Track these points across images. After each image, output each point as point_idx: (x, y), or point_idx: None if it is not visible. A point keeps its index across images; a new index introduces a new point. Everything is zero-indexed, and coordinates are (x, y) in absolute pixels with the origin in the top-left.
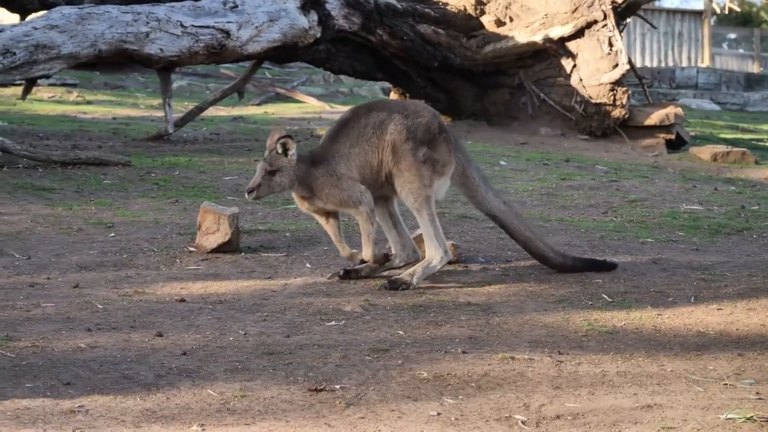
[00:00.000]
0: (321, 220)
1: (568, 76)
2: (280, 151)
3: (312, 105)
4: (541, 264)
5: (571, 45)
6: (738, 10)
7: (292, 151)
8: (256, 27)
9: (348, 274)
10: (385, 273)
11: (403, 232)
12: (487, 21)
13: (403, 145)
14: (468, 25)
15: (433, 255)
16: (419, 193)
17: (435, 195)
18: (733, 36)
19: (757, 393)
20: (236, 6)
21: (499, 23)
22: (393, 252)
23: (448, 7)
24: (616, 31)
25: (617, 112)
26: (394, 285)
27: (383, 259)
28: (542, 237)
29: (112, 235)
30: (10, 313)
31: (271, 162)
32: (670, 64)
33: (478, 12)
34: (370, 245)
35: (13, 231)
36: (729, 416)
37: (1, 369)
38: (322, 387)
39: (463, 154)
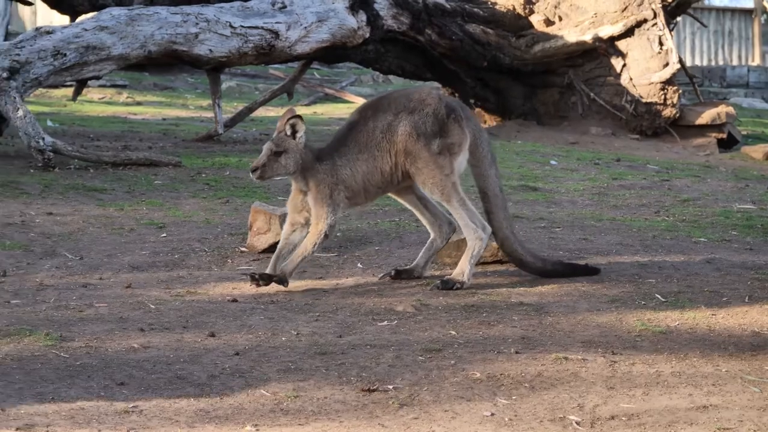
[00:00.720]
0: (288, 226)
1: (618, 76)
2: (288, 132)
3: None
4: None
5: (621, 44)
6: None
7: (301, 132)
8: (305, 27)
9: (399, 274)
10: (434, 273)
11: (435, 210)
12: (536, 20)
13: (415, 144)
14: (517, 24)
15: (474, 242)
16: (444, 185)
17: (457, 174)
18: None
19: None
20: (285, 6)
21: (549, 22)
22: (432, 235)
23: (497, 7)
24: (666, 30)
25: (668, 112)
26: (447, 285)
27: (268, 281)
28: (521, 240)
29: (164, 235)
30: (64, 314)
31: (278, 143)
32: (720, 62)
33: (527, 11)
34: (295, 263)
35: (65, 231)
36: None
37: (55, 369)
38: (375, 387)
39: (474, 122)
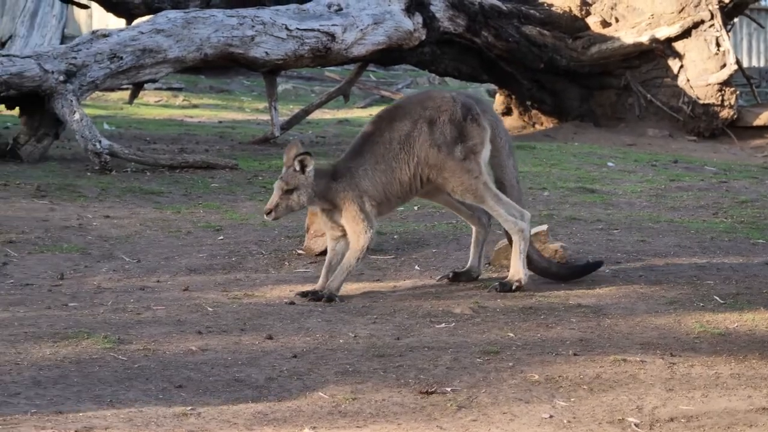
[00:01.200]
0: (330, 241)
1: (675, 77)
2: (297, 168)
3: None
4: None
5: (678, 45)
6: None
7: (310, 168)
8: (361, 30)
9: (457, 277)
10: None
11: (470, 204)
12: (593, 22)
13: (437, 155)
14: (573, 26)
15: (517, 236)
16: (475, 188)
17: (485, 171)
18: None
19: None
20: (341, 9)
21: (605, 24)
22: (474, 229)
23: (553, 8)
24: (724, 31)
25: (725, 113)
26: (505, 288)
27: (330, 299)
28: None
29: (221, 238)
30: (121, 316)
31: (287, 180)
32: None
33: (583, 13)
34: (340, 279)
35: (122, 234)
36: None
37: (113, 372)
38: (433, 389)
39: (491, 114)
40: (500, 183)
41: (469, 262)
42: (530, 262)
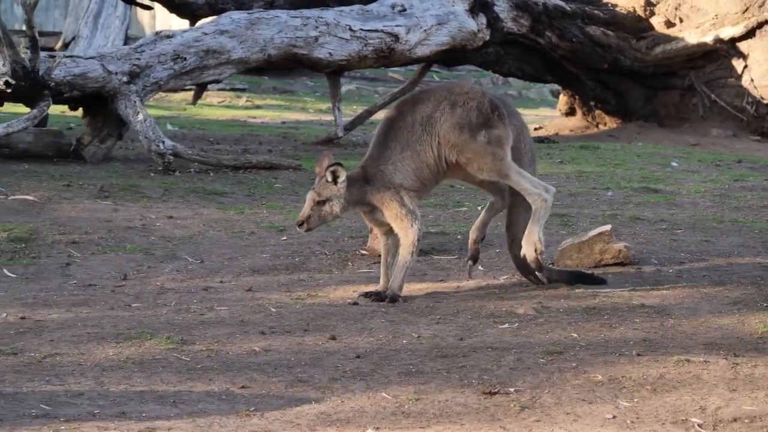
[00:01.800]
0: (381, 236)
1: (739, 77)
2: (329, 179)
3: None
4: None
5: (742, 45)
6: None
7: (342, 178)
8: (425, 30)
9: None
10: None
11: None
12: (657, 22)
13: (459, 137)
14: (637, 26)
15: (538, 203)
16: (500, 167)
17: (509, 152)
18: None
19: None
20: (405, 9)
21: (669, 24)
22: (493, 198)
23: (617, 9)
24: None
25: None
26: (531, 259)
27: (393, 300)
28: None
29: (284, 238)
30: (185, 317)
31: (320, 192)
32: None
33: (647, 13)
34: (400, 277)
35: (186, 235)
36: None
37: (176, 372)
38: (496, 390)
39: (517, 119)
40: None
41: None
42: (528, 271)
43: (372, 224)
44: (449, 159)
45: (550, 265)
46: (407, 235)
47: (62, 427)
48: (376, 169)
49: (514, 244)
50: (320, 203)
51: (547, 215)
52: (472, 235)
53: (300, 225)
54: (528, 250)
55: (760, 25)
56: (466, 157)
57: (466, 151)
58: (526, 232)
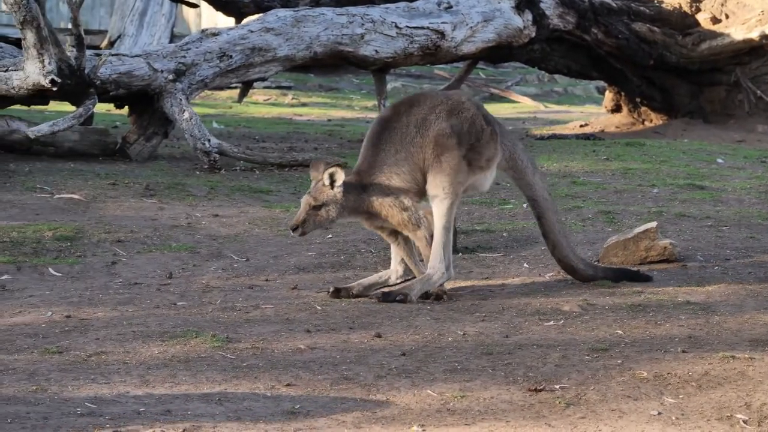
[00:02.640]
0: (390, 240)
1: None
2: (327, 182)
3: (526, 105)
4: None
5: None
6: None
7: (339, 182)
8: (471, 27)
9: (338, 293)
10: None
11: (410, 252)
12: (703, 18)
13: (447, 140)
14: (683, 22)
15: (436, 268)
16: (449, 190)
17: (477, 187)
18: None
19: None
20: (451, 6)
21: (715, 20)
22: (392, 268)
23: (663, 5)
24: None
25: None
26: (387, 297)
27: (437, 298)
28: (573, 245)
29: (330, 236)
30: (230, 315)
31: (316, 196)
32: None
33: (693, 9)
34: (437, 257)
35: (231, 233)
36: None
37: (221, 371)
38: (541, 387)
39: (509, 138)
40: (533, 200)
41: (358, 281)
42: (575, 272)
43: (374, 230)
44: (428, 163)
45: (596, 263)
46: (418, 237)
47: (107, 426)
48: (372, 175)
49: (556, 249)
50: (316, 208)
51: (432, 287)
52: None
53: (294, 229)
54: (399, 290)
55: None
56: (438, 159)
57: (442, 154)
58: (410, 281)
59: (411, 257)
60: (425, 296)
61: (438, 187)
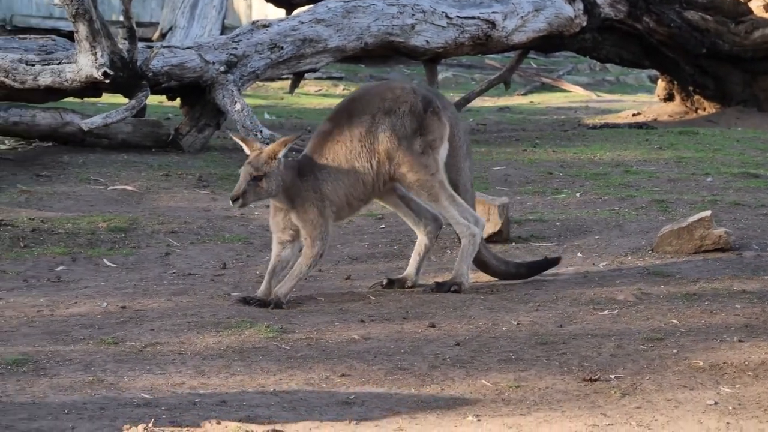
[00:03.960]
0: (276, 245)
1: None
2: (268, 154)
3: (578, 94)
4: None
5: None
6: None
7: (281, 154)
8: (521, 17)
9: (391, 284)
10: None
11: (418, 207)
12: (756, 6)
13: (397, 150)
14: (736, 10)
15: (465, 238)
16: (431, 185)
17: (442, 169)
18: None
19: None
20: None
21: None
22: (418, 238)
23: None
24: None
25: None
26: (442, 288)
27: (277, 305)
28: (484, 242)
29: (383, 226)
30: (284, 306)
31: (257, 167)
32: None
33: None
34: (290, 285)
35: None
36: None
37: (276, 361)
38: (596, 377)
39: (451, 111)
40: (454, 185)
41: (406, 270)
42: (486, 268)
43: (276, 228)
44: (387, 175)
45: (650, 252)
46: (313, 246)
47: (163, 415)
48: (310, 171)
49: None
50: (257, 179)
51: (476, 251)
52: (409, 282)
53: (234, 200)
54: (450, 282)
55: None
56: (401, 172)
57: (402, 165)
58: (454, 269)
59: (273, 270)
60: (442, 288)
61: (419, 191)
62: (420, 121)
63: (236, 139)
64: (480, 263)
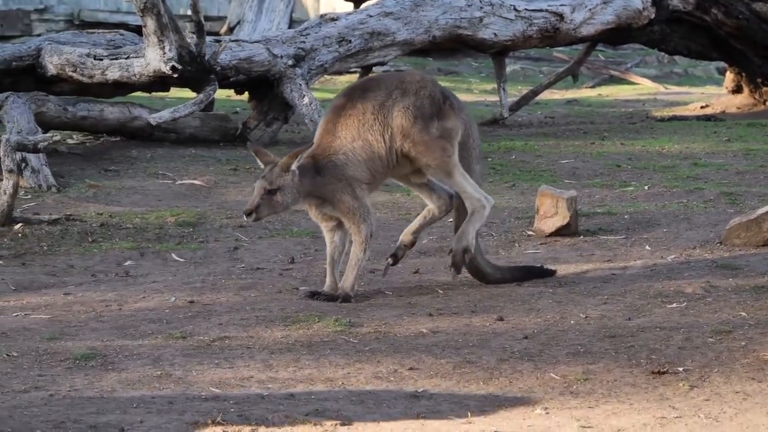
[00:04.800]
0: (326, 233)
1: None
2: (281, 166)
3: (646, 86)
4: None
5: None
6: None
7: (295, 167)
8: (590, 9)
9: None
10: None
11: (433, 184)
12: None
13: (413, 127)
14: None
15: (476, 208)
16: (446, 165)
17: (457, 155)
18: None
19: None
20: None
21: None
22: (429, 205)
23: None
24: None
25: None
26: (455, 258)
27: (345, 299)
28: (482, 249)
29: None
30: (352, 299)
31: (270, 180)
32: None
33: None
34: (353, 276)
35: None
36: None
37: (344, 355)
38: (665, 369)
39: (466, 114)
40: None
41: (405, 230)
42: (483, 276)
43: (318, 219)
44: (400, 150)
45: (718, 244)
46: (359, 231)
47: (232, 409)
48: (327, 159)
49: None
50: (271, 192)
51: (483, 222)
52: (404, 238)
53: (248, 215)
54: (457, 248)
55: None
56: (417, 150)
57: (417, 145)
58: (459, 231)
59: (332, 260)
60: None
61: (437, 172)
62: (438, 108)
63: (250, 151)
64: (474, 270)
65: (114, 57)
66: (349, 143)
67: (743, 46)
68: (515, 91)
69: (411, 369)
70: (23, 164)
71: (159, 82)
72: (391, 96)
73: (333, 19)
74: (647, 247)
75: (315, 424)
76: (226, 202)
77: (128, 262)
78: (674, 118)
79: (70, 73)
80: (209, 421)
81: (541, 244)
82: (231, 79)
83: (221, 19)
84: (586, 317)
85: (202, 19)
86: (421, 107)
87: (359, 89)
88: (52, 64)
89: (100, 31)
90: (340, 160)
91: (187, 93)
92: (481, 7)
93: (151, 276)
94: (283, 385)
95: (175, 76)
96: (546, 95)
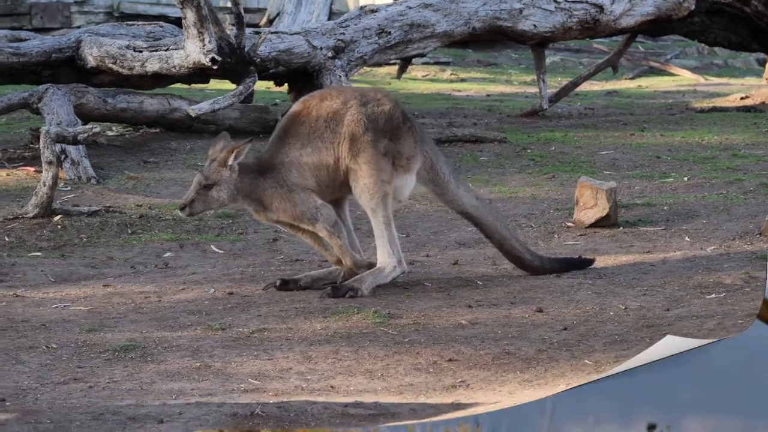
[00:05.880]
0: (292, 230)
1: None
2: (221, 162)
3: (686, 77)
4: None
5: None
6: None
7: (233, 162)
8: (630, 1)
9: (286, 284)
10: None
11: (352, 240)
12: None
13: (362, 136)
14: None
15: (386, 262)
16: (376, 189)
17: (396, 194)
18: None
19: None
20: None
21: None
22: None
23: None
24: None
25: None
26: (338, 292)
27: (368, 266)
28: (518, 236)
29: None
30: (392, 291)
31: (207, 175)
32: None
33: None
34: (347, 254)
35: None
36: None
37: (383, 346)
38: None
39: (430, 146)
40: (465, 214)
41: (306, 273)
42: (521, 262)
43: (271, 222)
44: (345, 164)
45: (757, 236)
46: (318, 230)
47: (271, 401)
48: (272, 163)
49: (503, 245)
50: (207, 187)
51: (385, 282)
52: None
53: (182, 209)
54: (350, 284)
55: None
56: (356, 161)
57: (359, 155)
58: (362, 275)
59: (320, 244)
60: (337, 293)
61: (363, 191)
62: (394, 128)
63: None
64: (514, 258)
65: (153, 49)
66: (297, 150)
67: None
68: (555, 83)
69: (450, 360)
70: (63, 156)
71: (198, 74)
72: (347, 105)
73: (373, 11)
74: (686, 239)
75: (354, 416)
76: None
77: (167, 254)
78: (714, 109)
79: (110, 65)
80: (248, 413)
81: (580, 235)
82: (270, 71)
83: (261, 11)
84: (625, 308)
85: (242, 11)
86: (375, 121)
87: (317, 97)
88: (91, 56)
89: (139, 23)
90: (284, 165)
91: (227, 85)
92: None
93: (190, 267)
94: (322, 377)
95: (215, 67)
96: (585, 86)
